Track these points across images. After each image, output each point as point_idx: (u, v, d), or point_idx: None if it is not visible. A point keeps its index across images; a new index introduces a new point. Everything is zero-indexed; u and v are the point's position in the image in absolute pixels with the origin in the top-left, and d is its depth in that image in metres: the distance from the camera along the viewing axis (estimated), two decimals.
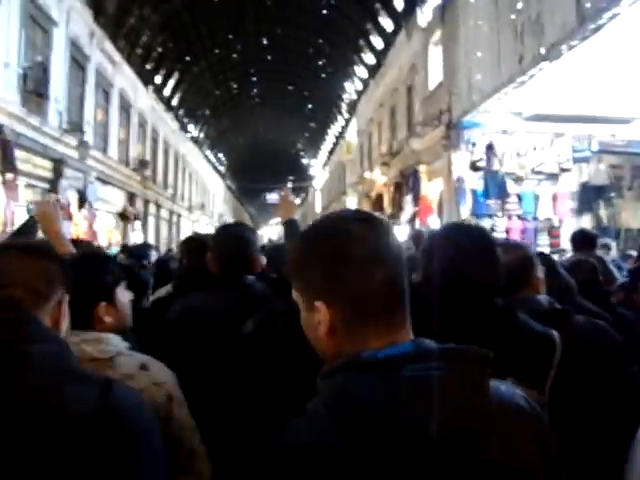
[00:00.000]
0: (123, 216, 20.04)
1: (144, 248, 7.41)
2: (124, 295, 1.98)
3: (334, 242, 1.03)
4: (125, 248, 9.04)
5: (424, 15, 16.32)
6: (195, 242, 3.69)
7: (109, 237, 19.29)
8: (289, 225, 3.07)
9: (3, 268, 1.25)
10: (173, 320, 2.57)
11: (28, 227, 2.96)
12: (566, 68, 9.34)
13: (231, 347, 2.21)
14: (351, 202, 29.47)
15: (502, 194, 12.83)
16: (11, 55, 11.90)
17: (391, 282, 1.01)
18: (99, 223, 17.65)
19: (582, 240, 5.58)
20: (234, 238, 2.75)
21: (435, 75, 15.79)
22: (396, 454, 0.88)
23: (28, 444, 1.03)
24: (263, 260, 2.91)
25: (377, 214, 1.14)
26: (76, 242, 3.61)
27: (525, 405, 1.05)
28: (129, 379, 1.69)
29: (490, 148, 12.94)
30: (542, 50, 9.19)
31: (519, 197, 13.22)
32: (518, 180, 13.28)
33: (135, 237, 21.59)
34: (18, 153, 12.05)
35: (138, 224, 22.14)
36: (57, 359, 1.14)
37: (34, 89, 12.57)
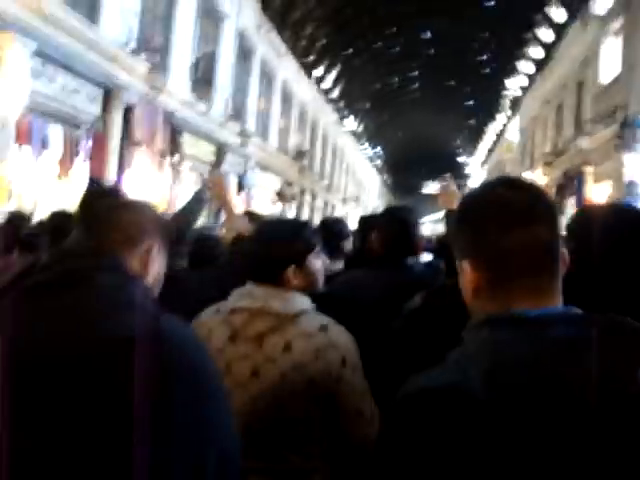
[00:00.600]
0: (280, 195, 20.59)
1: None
2: (316, 262, 2.05)
3: (480, 204, 1.07)
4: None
5: (602, 3, 15.19)
6: (364, 221, 3.73)
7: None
8: (451, 216, 2.89)
9: (107, 219, 1.40)
10: (335, 292, 2.55)
11: (199, 195, 3.26)
12: None
13: (388, 326, 2.24)
14: None
15: None
16: (185, 46, 12.57)
17: (537, 244, 1.00)
18: (256, 206, 18.29)
19: None
20: (398, 220, 2.81)
21: (611, 68, 14.67)
22: (534, 410, 0.87)
23: (76, 364, 1.09)
24: None
25: (530, 181, 1.15)
26: (251, 213, 3.86)
27: None
28: (308, 337, 1.79)
29: None
30: None
31: None
32: None
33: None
34: (185, 137, 12.71)
35: (293, 206, 22.72)
36: (118, 290, 1.22)
37: (202, 78, 13.19)
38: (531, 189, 1.07)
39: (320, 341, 1.80)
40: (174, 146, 12.23)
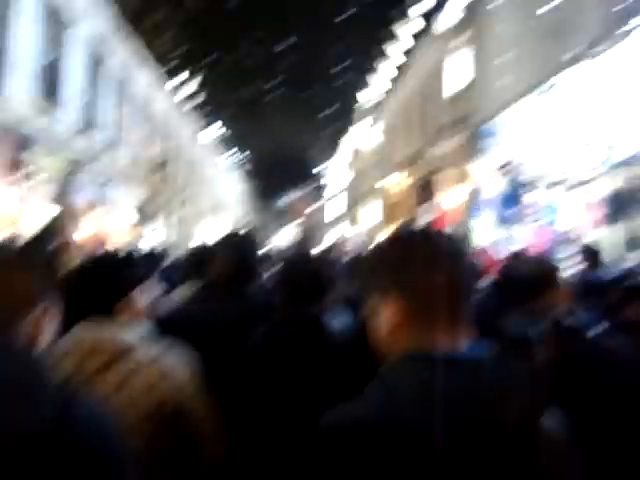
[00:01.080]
0: (141, 211, 19.76)
1: (154, 255, 6.96)
2: (145, 295, 2.02)
3: (402, 247, 1.20)
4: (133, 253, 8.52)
5: (446, 18, 16.00)
6: (201, 251, 3.62)
7: (124, 238, 19.09)
8: (302, 232, 3.00)
9: None
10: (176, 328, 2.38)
11: (47, 232, 3.07)
12: (594, 75, 9.04)
13: (233, 359, 2.21)
14: (367, 210, 29.15)
15: (523, 203, 12.45)
16: (27, 52, 11.75)
17: (454, 282, 1.12)
18: (113, 224, 17.47)
19: (590, 256, 5.82)
20: (235, 248, 2.75)
21: (458, 80, 15.44)
22: (455, 445, 0.97)
23: None
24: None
25: (435, 228, 1.32)
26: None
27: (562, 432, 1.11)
28: (144, 368, 1.77)
29: (512, 156, 12.57)
30: (570, 55, 8.86)
31: (542, 206, 12.83)
32: (541, 188, 12.89)
33: (155, 237, 21.40)
34: (32, 151, 11.88)
35: (158, 224, 21.99)
36: (17, 373, 1.11)
37: (49, 87, 12.41)
38: (443, 234, 1.21)
39: (153, 373, 1.78)
40: (19, 161, 11.38)
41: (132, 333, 1.86)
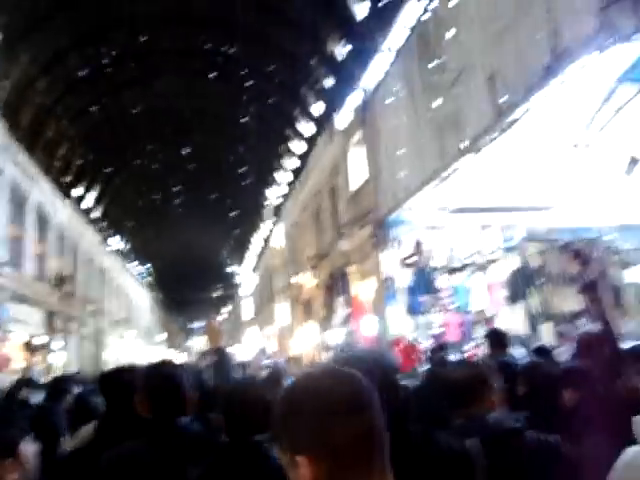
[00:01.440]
0: (29, 346, 18.56)
1: (59, 383, 6.30)
2: (29, 448, 1.83)
3: (315, 399, 1.09)
4: (30, 382, 7.42)
5: (342, 118, 16.64)
6: (119, 378, 3.19)
7: (26, 359, 17.98)
8: (218, 353, 3.13)
9: None
10: (103, 476, 2.23)
11: None
12: (487, 161, 9.43)
13: None
14: (281, 307, 28.94)
15: (431, 289, 12.65)
16: None
17: (371, 432, 1.07)
18: (12, 347, 16.43)
19: (496, 340, 5.78)
20: (164, 378, 2.55)
21: (358, 175, 15.86)
22: None
23: None
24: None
25: (348, 371, 1.18)
26: None
27: None
28: None
29: (418, 245, 12.85)
30: (463, 144, 9.28)
31: (451, 291, 13.09)
32: (449, 273, 13.18)
33: (56, 360, 20.31)
34: None
35: (57, 345, 20.88)
36: None
37: None
38: (354, 379, 1.13)
39: None
40: None
41: None
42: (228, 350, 3.34)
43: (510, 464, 1.87)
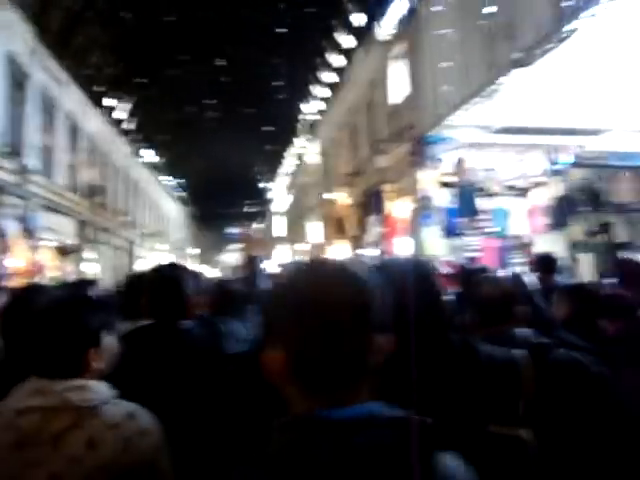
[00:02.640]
0: (61, 250, 18.60)
1: (81, 286, 6.36)
2: (111, 338, 1.92)
3: (278, 293, 1.13)
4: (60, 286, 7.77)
5: (384, 29, 15.74)
6: (133, 282, 3.38)
7: (57, 268, 18.11)
8: (251, 262, 3.22)
9: None
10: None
11: None
12: (535, 78, 8.79)
13: (174, 399, 2.16)
14: (313, 226, 28.74)
15: (472, 211, 12.14)
16: None
17: (347, 346, 1.04)
18: (45, 255, 16.48)
19: (545, 264, 5.71)
20: (164, 281, 2.60)
21: (398, 90, 15.18)
22: None
23: None
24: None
25: (338, 274, 1.12)
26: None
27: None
28: (114, 428, 1.67)
29: (459, 164, 12.28)
30: (515, 55, 8.54)
31: (491, 214, 12.59)
32: (489, 196, 12.66)
33: (88, 269, 20.49)
34: None
35: (90, 254, 20.99)
36: None
37: None
38: (349, 284, 1.07)
39: (128, 430, 1.69)
40: None
41: (99, 388, 1.75)
42: (260, 261, 3.14)
43: (538, 379, 1.80)
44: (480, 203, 12.30)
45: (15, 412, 1.64)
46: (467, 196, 12.06)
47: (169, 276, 2.61)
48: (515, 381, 1.74)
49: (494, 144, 12.46)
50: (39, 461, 1.59)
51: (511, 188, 12.82)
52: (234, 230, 59.35)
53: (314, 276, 1.11)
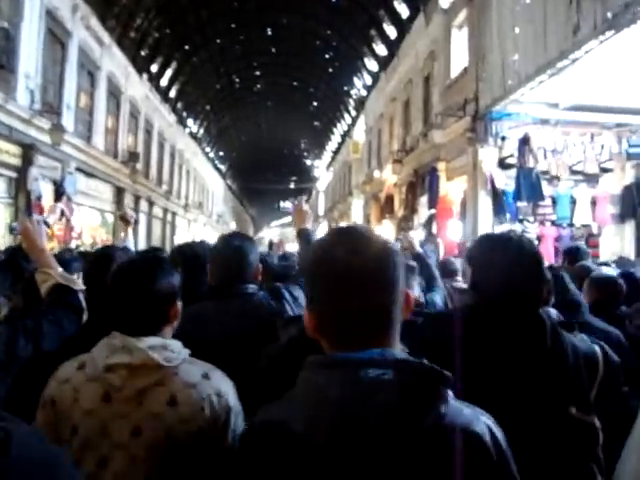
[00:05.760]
0: (123, 219, 18.03)
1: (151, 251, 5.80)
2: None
3: (324, 265, 1.17)
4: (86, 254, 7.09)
5: None
6: (190, 251, 3.51)
7: (93, 235, 17.65)
8: (303, 235, 3.20)
9: None
10: (179, 328, 2.19)
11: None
12: (618, 49, 7.75)
13: (238, 358, 2.20)
14: (357, 204, 27.90)
15: (537, 196, 11.09)
16: None
17: (372, 310, 1.13)
18: (81, 218, 15.96)
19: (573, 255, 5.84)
20: (232, 249, 2.71)
21: (458, 61, 14.09)
22: (339, 445, 1.03)
23: None
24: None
25: (367, 236, 1.20)
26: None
27: (482, 433, 1.10)
28: (192, 387, 1.74)
29: (524, 142, 11.20)
30: (608, 15, 7.41)
31: (553, 200, 11.54)
32: (553, 180, 11.59)
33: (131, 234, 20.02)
34: None
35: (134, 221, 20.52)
36: None
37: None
38: (377, 253, 1.16)
39: (204, 390, 1.76)
40: None
41: (178, 347, 1.81)
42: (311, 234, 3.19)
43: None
44: (545, 188, 11.26)
45: (104, 367, 1.71)
46: (532, 179, 10.99)
47: (238, 244, 2.71)
48: (593, 372, 1.86)
49: (561, 123, 11.50)
50: (124, 414, 1.68)
51: (577, 173, 11.73)
52: (282, 204, 58.82)
53: (342, 240, 1.18)
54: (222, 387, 1.80)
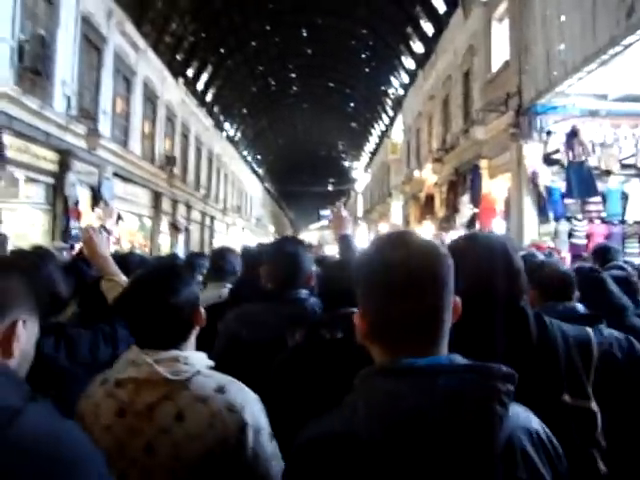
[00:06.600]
0: (174, 227, 18.13)
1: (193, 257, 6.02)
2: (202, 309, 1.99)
3: (371, 268, 1.20)
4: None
5: None
6: (250, 254, 3.75)
7: (131, 240, 17.64)
8: (343, 240, 3.25)
9: None
10: (229, 327, 2.66)
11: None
12: None
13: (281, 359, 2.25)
14: (396, 205, 27.48)
15: (590, 191, 10.57)
16: (3, 25, 10.10)
17: (422, 311, 1.13)
18: (119, 223, 15.94)
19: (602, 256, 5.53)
20: (289, 255, 2.80)
21: (499, 55, 13.64)
22: (418, 456, 1.01)
23: None
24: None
25: (419, 240, 1.22)
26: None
27: (540, 431, 1.13)
28: (201, 402, 1.69)
29: (573, 135, 10.70)
30: None
31: (603, 196, 11.01)
32: (603, 175, 11.06)
33: (163, 241, 20.08)
34: (11, 140, 10.31)
35: (165, 226, 20.51)
36: None
37: (32, 65, 10.77)
38: (429, 256, 1.17)
39: (215, 405, 1.70)
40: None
41: (193, 359, 1.77)
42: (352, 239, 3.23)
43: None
44: (595, 184, 10.75)
45: (115, 382, 1.73)
46: (583, 173, 10.49)
47: (291, 250, 2.81)
48: (587, 356, 1.79)
49: (611, 115, 10.95)
50: (137, 430, 1.67)
51: (629, 167, 11.19)
52: (321, 210, 58.68)
53: (394, 245, 1.19)
54: (238, 401, 1.72)
